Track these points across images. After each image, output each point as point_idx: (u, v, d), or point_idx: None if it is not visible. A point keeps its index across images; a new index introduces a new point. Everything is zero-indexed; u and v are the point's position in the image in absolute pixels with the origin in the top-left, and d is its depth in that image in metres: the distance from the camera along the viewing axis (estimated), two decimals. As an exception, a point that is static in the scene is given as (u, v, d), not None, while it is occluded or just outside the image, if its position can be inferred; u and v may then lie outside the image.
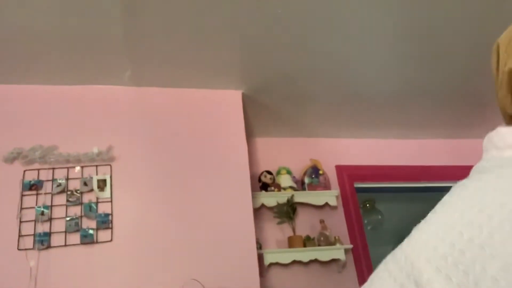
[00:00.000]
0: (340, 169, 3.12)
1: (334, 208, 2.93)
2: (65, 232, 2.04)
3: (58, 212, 2.08)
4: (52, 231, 2.03)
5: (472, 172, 0.48)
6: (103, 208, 2.13)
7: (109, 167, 2.22)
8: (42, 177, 2.13)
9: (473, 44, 2.34)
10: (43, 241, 1.99)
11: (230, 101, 2.57)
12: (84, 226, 2.07)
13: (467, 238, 0.36)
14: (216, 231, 2.20)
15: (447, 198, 0.44)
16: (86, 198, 2.13)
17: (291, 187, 2.89)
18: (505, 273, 0.32)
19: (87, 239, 2.04)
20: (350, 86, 2.66)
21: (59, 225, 2.05)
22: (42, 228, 2.03)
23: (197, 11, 1.93)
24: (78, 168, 2.19)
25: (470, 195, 0.41)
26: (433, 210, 0.44)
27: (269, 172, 2.90)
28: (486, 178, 0.42)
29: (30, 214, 2.05)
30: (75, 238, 2.04)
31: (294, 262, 2.62)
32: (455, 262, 0.35)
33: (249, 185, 2.38)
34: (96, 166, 2.21)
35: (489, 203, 0.38)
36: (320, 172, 2.97)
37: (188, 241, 2.15)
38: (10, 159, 2.13)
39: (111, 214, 2.12)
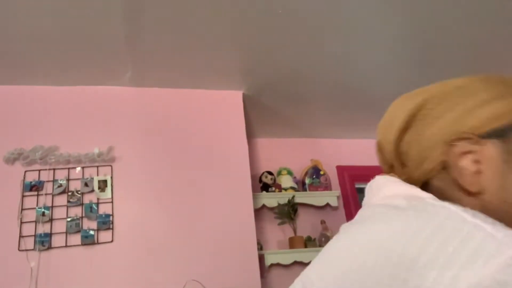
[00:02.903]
0: (341, 169, 3.12)
1: (335, 208, 2.93)
2: (66, 233, 2.04)
3: (59, 213, 2.08)
4: (52, 232, 2.03)
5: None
6: (104, 209, 2.12)
7: (110, 167, 2.22)
8: (43, 178, 2.13)
9: (472, 48, 2.37)
10: (44, 242, 1.99)
11: (231, 101, 2.56)
12: (85, 227, 2.07)
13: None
14: (216, 231, 2.20)
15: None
16: (87, 199, 2.13)
17: (292, 188, 2.88)
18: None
19: (88, 240, 2.04)
20: (351, 87, 2.66)
21: (59, 226, 2.05)
22: (43, 229, 2.03)
23: (197, 11, 1.93)
24: (79, 169, 2.19)
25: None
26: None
27: (270, 173, 2.90)
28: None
29: (30, 215, 2.04)
30: (75, 239, 2.04)
31: (295, 263, 2.61)
32: None
33: (250, 185, 2.37)
34: (97, 166, 2.21)
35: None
36: (321, 172, 2.97)
37: (189, 242, 2.15)
38: (11, 160, 2.13)
39: (112, 215, 2.11)
